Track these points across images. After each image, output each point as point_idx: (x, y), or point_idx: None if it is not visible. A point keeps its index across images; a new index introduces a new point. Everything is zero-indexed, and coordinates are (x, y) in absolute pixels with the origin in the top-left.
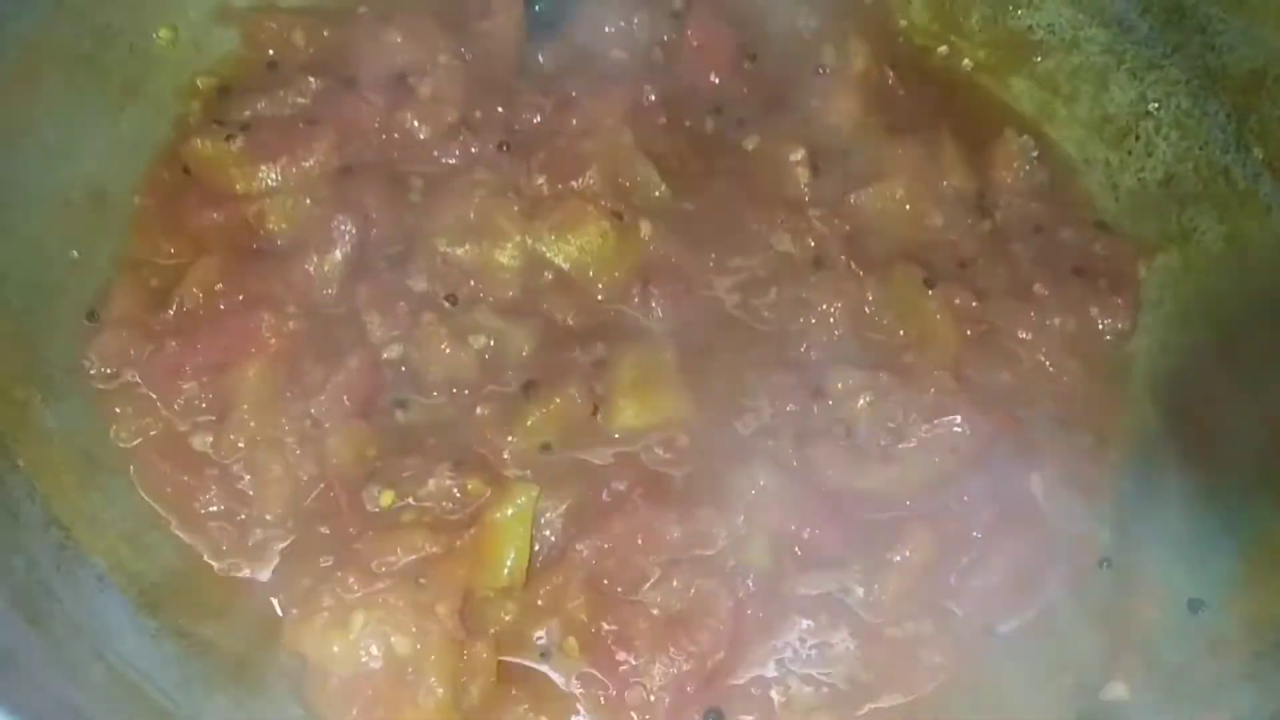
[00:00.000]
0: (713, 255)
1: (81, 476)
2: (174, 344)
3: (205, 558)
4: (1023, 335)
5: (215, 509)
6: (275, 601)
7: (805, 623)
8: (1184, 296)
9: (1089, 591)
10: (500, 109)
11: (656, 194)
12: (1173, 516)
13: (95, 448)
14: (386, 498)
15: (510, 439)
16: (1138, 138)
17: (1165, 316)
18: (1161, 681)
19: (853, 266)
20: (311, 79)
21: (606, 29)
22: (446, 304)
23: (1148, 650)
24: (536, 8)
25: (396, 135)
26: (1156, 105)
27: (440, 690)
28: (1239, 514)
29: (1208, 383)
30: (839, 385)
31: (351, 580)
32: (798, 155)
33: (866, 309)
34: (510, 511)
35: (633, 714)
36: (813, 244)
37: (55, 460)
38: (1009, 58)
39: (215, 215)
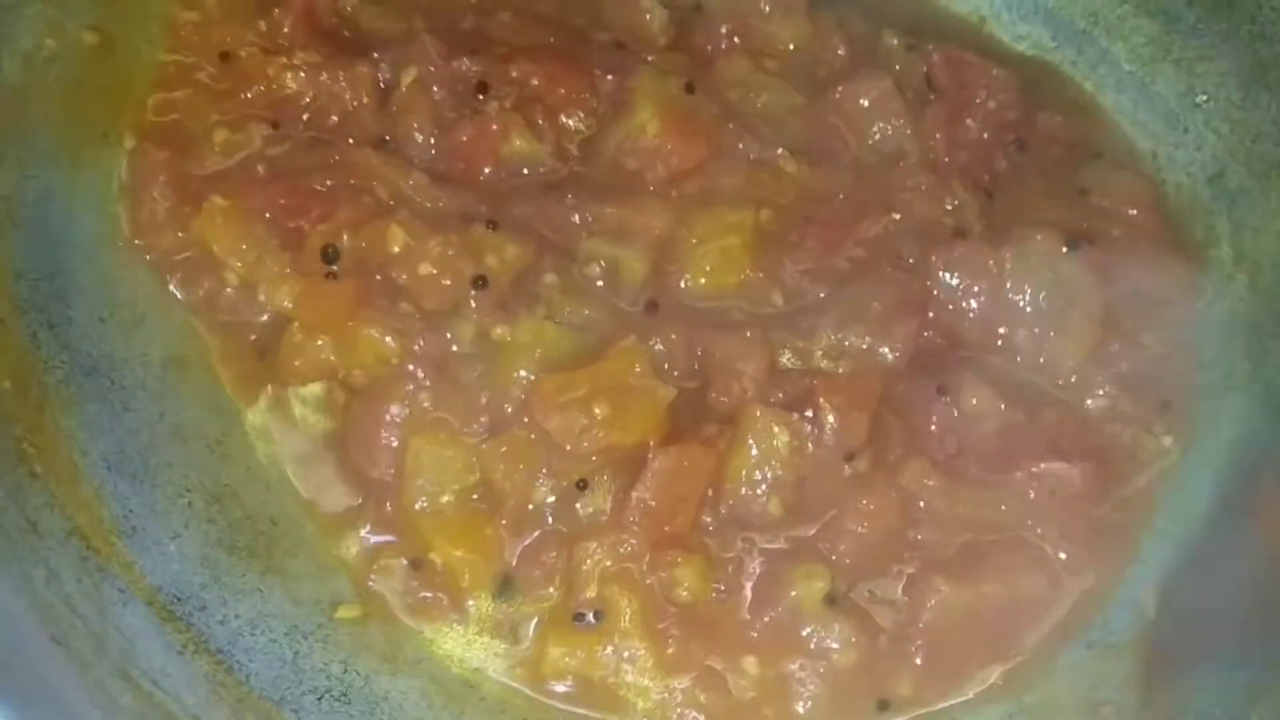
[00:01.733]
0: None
1: (102, 483)
2: None
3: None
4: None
5: None
6: None
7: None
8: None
9: None
10: None
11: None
12: None
13: (116, 452)
14: None
15: None
16: (1186, 131)
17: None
18: None
19: None
20: None
21: None
22: None
23: None
24: None
25: None
26: (1205, 98)
27: None
28: None
29: None
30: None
31: None
32: None
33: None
34: None
35: None
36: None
37: (74, 466)
38: None
39: None
